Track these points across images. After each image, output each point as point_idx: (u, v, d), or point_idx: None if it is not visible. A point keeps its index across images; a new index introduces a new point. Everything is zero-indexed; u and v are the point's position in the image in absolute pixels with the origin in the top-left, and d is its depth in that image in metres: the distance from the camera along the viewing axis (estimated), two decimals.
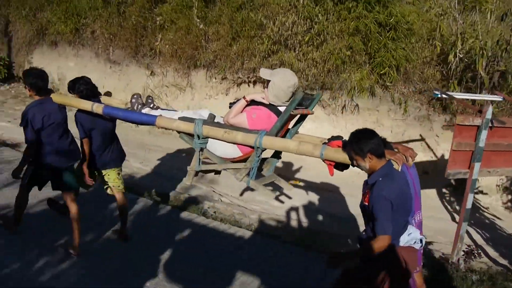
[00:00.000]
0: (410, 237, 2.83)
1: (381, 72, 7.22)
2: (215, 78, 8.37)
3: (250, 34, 7.55)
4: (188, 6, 8.38)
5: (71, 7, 8.69)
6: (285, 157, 3.85)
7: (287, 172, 7.26)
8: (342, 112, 8.15)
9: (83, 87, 4.04)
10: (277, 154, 3.79)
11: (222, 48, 7.94)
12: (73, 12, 8.72)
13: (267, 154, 3.53)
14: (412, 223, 3.00)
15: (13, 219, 4.32)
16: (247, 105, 3.45)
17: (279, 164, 6.60)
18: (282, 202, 6.17)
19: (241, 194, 6.36)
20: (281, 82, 3.28)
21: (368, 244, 2.73)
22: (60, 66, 9.17)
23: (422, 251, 3.23)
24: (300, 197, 6.36)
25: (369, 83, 7.44)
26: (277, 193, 6.15)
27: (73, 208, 4.12)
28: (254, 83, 8.27)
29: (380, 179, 2.70)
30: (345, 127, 8.18)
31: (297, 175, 7.23)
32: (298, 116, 3.52)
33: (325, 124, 8.22)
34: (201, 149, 3.56)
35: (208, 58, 7.91)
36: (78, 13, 8.67)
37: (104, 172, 4.35)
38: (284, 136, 3.49)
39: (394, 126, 8.06)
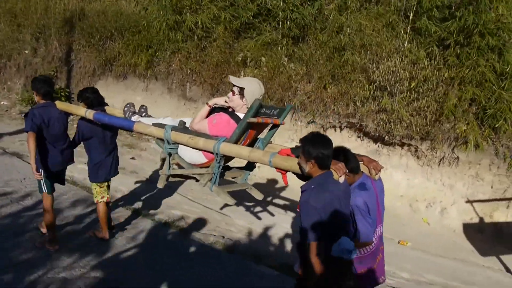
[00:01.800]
0: (340, 248, 2.72)
1: (495, 126, 6.67)
2: (301, 121, 7.76)
3: (350, 77, 7.01)
4: (274, 43, 7.86)
5: (146, 39, 8.13)
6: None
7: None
8: (439, 164, 7.55)
9: (90, 96, 4.36)
10: (250, 166, 3.93)
11: (314, 90, 7.38)
12: (147, 44, 8.14)
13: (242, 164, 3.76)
14: (373, 235, 3.05)
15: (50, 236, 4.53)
16: (212, 112, 3.66)
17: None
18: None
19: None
20: (256, 91, 3.51)
21: (310, 261, 2.67)
22: (126, 99, 8.55)
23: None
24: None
25: (474, 135, 6.88)
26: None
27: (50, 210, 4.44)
28: (344, 128, 7.69)
29: (312, 186, 2.69)
30: (440, 180, 7.61)
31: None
32: (270, 125, 3.69)
33: (418, 175, 7.65)
34: (170, 154, 3.75)
35: (300, 99, 7.33)
36: (152, 45, 8.10)
37: (99, 184, 4.63)
38: (252, 145, 3.65)
39: (495, 181, 7.48)
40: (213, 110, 3.72)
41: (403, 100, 6.99)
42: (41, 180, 4.35)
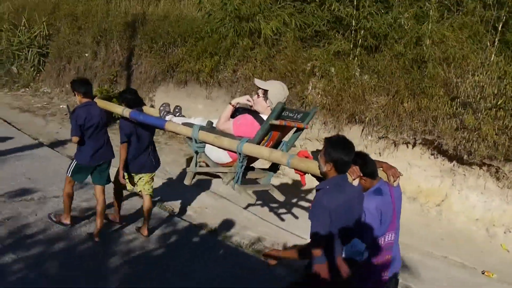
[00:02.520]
0: (352, 250, 2.80)
1: None
2: (371, 136, 7.34)
3: (431, 92, 6.55)
4: (345, 53, 7.48)
5: (211, 45, 7.90)
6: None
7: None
8: None
9: (129, 96, 4.68)
10: (274, 168, 4.10)
11: (389, 104, 6.95)
12: (212, 50, 7.91)
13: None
14: (379, 241, 3.04)
15: (64, 213, 4.91)
16: (236, 112, 3.80)
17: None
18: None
19: None
20: (280, 93, 3.64)
21: (305, 247, 2.82)
22: (187, 107, 8.33)
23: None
24: None
25: None
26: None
27: (100, 199, 4.74)
28: (417, 145, 7.22)
29: (328, 187, 2.74)
30: None
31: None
32: (294, 129, 3.80)
33: (496, 198, 7.09)
34: (197, 153, 3.91)
35: (373, 113, 6.92)
36: (218, 52, 7.85)
37: (138, 175, 4.90)
38: (276, 147, 3.82)
39: None
40: (237, 110, 3.87)
41: (488, 118, 6.48)
42: (72, 163, 4.77)
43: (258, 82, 3.81)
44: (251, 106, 3.84)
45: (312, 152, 3.27)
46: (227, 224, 5.88)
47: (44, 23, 10.80)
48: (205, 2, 8.51)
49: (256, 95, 3.79)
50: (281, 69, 7.58)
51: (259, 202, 6.47)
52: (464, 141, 6.68)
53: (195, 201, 6.41)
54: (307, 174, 3.23)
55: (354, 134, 7.55)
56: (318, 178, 3.01)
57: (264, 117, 3.63)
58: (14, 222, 4.87)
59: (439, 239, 6.83)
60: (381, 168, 3.16)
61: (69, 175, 4.76)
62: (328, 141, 2.79)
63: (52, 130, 8.57)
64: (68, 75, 10.39)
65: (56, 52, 10.59)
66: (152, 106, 7.90)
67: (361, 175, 2.86)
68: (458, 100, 6.58)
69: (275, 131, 3.67)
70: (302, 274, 3.07)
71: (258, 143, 3.57)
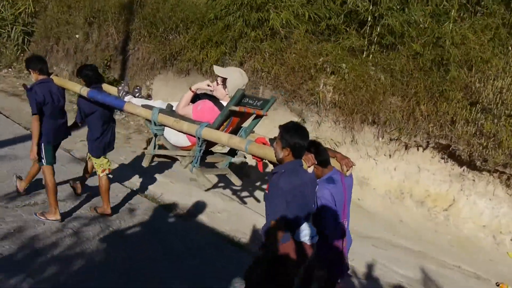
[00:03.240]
0: (302, 234, 2.88)
1: None
2: (382, 137, 7.08)
3: (450, 95, 6.31)
4: (359, 49, 7.14)
5: (216, 34, 7.42)
6: None
7: None
8: None
9: (89, 73, 4.59)
10: (232, 152, 4.21)
11: (405, 106, 6.69)
12: (218, 40, 7.43)
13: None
14: (340, 224, 3.26)
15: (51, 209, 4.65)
16: (197, 97, 3.91)
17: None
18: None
19: None
20: (238, 81, 3.71)
21: (268, 235, 2.82)
22: None
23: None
24: None
25: None
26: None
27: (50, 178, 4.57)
28: (428, 148, 7.02)
29: (283, 171, 2.83)
30: None
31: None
32: (254, 116, 3.92)
33: (504, 205, 7.01)
34: (156, 135, 3.99)
35: (388, 115, 6.65)
36: (224, 41, 7.39)
37: (102, 160, 4.82)
38: (235, 133, 3.94)
39: None
40: (198, 96, 3.97)
41: (507, 125, 6.29)
42: (41, 151, 4.50)
43: (217, 69, 3.85)
44: (212, 91, 3.92)
45: (270, 139, 3.32)
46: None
47: None
48: None
49: (215, 82, 3.88)
50: (292, 63, 7.18)
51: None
52: (480, 148, 6.49)
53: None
54: (264, 160, 3.34)
55: (365, 134, 7.28)
56: (274, 165, 3.09)
57: (224, 103, 3.74)
58: (22, 234, 4.38)
59: (448, 245, 6.70)
60: (335, 158, 3.34)
61: (45, 163, 4.56)
62: (283, 127, 2.89)
63: None
64: (55, 57, 9.70)
65: (43, 31, 9.84)
66: (149, 95, 7.38)
67: (316, 162, 2.99)
68: (478, 105, 6.36)
69: (235, 117, 3.77)
70: (260, 257, 3.05)
71: (217, 128, 3.67)
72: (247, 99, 3.65)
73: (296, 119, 7.59)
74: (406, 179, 7.33)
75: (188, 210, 5.73)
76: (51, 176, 4.57)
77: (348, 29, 7.38)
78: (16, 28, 9.99)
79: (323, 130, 7.50)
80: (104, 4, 8.98)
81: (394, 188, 7.37)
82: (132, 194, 5.82)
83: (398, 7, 7.00)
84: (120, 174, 6.21)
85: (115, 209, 5.20)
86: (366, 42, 7.25)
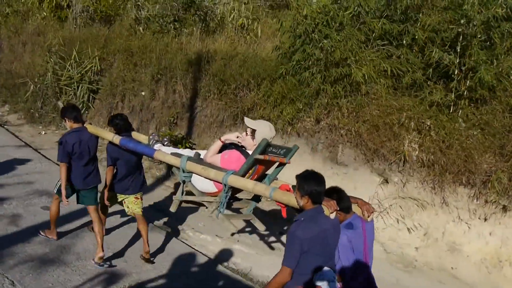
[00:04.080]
0: (320, 278, 2.96)
1: None
2: (477, 200, 6.44)
3: None
4: (445, 104, 6.67)
5: (292, 91, 7.16)
6: None
7: None
8: None
9: (119, 122, 4.93)
10: (256, 198, 4.43)
11: (504, 166, 6.09)
12: (293, 96, 7.15)
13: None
14: (356, 270, 3.33)
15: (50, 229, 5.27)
16: (225, 147, 4.24)
17: None
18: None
19: None
20: (267, 133, 4.06)
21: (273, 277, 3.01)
22: None
23: None
24: None
25: None
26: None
27: (96, 218, 4.94)
28: None
29: (302, 219, 3.00)
30: None
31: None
32: (277, 164, 4.19)
33: None
34: (184, 182, 4.25)
35: (484, 176, 6.07)
36: (300, 98, 7.10)
37: (123, 196, 5.07)
38: (261, 180, 4.14)
39: None
40: (226, 146, 4.27)
41: None
42: (58, 181, 4.92)
43: (247, 121, 4.25)
44: (240, 143, 4.26)
45: (293, 186, 3.44)
46: None
47: (97, 57, 10.15)
48: (284, 41, 7.79)
49: (245, 133, 4.23)
50: (374, 120, 6.78)
51: None
52: None
53: None
54: (288, 206, 3.52)
55: (458, 196, 6.67)
56: (297, 210, 3.23)
57: (250, 152, 4.01)
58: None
59: None
60: (356, 204, 3.50)
61: (55, 192, 5.05)
62: (300, 177, 3.08)
63: None
64: None
65: (109, 88, 9.90)
66: None
67: (338, 209, 3.13)
68: None
69: (260, 165, 4.02)
70: None
71: (243, 176, 3.87)
72: (271, 148, 3.93)
73: (377, 178, 7.12)
74: (504, 245, 6.62)
75: None
76: (56, 203, 5.10)
77: (431, 83, 6.97)
78: (82, 86, 10.12)
79: (408, 190, 6.96)
80: (171, 62, 8.96)
81: (490, 255, 6.67)
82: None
83: (488, 59, 6.57)
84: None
85: None
86: (453, 96, 6.78)
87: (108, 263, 5.05)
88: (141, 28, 10.61)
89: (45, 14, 12.51)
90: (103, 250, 4.93)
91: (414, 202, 6.97)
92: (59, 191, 4.89)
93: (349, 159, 7.14)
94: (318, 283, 2.94)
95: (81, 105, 10.03)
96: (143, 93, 9.26)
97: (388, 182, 7.09)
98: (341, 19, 6.87)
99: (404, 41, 7.16)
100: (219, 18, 10.46)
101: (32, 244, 5.24)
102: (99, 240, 4.89)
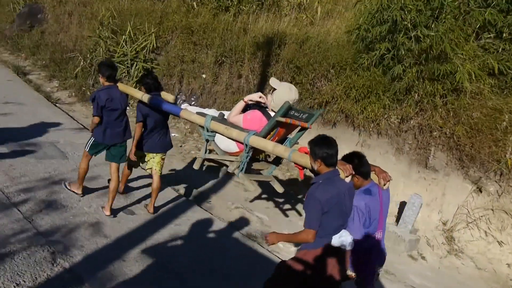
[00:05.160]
0: (340, 240, 3.11)
1: None
2: None
3: None
4: None
5: (380, 85, 6.49)
6: None
7: None
8: None
9: (150, 81, 5.06)
10: (277, 161, 4.56)
11: None
12: (381, 91, 6.50)
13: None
14: (370, 236, 3.48)
15: (77, 183, 5.38)
16: (248, 107, 4.28)
17: None
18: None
19: None
20: (285, 94, 4.00)
21: (294, 233, 3.17)
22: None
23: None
24: None
25: None
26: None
27: (114, 176, 5.10)
28: None
29: (320, 181, 3.07)
30: None
31: None
32: (299, 128, 4.29)
33: None
34: (208, 141, 4.37)
35: None
36: (387, 93, 6.44)
37: (150, 155, 5.27)
38: (281, 142, 4.22)
39: None
40: (250, 106, 4.29)
41: None
42: (89, 139, 5.17)
43: (272, 80, 4.24)
44: (264, 103, 4.25)
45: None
46: None
47: (153, 34, 9.53)
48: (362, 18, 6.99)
49: (270, 94, 4.20)
50: (474, 122, 6.09)
51: None
52: None
53: None
54: (305, 169, 3.60)
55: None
56: (314, 173, 3.27)
57: (272, 114, 4.03)
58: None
59: None
60: (374, 171, 3.55)
61: (87, 149, 5.17)
62: (312, 142, 3.14)
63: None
64: (179, 99, 9.08)
65: (166, 68, 9.31)
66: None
67: (353, 173, 3.17)
68: None
69: (281, 128, 4.03)
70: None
71: (264, 137, 3.91)
72: (293, 112, 3.90)
73: (470, 186, 6.48)
74: None
75: None
76: (86, 160, 5.19)
77: None
78: (136, 64, 9.57)
79: (504, 202, 6.32)
80: (238, 44, 8.30)
81: None
82: None
83: None
84: None
85: None
86: None
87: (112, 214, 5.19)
88: (194, 4, 9.94)
89: None
90: (110, 210, 5.10)
91: (509, 215, 6.35)
92: (90, 147, 5.13)
93: (440, 164, 6.50)
94: (339, 244, 3.12)
95: (134, 85, 9.53)
96: (203, 76, 8.67)
97: (481, 192, 6.45)
98: (445, 7, 6.07)
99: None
100: None
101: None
102: (110, 198, 5.08)
